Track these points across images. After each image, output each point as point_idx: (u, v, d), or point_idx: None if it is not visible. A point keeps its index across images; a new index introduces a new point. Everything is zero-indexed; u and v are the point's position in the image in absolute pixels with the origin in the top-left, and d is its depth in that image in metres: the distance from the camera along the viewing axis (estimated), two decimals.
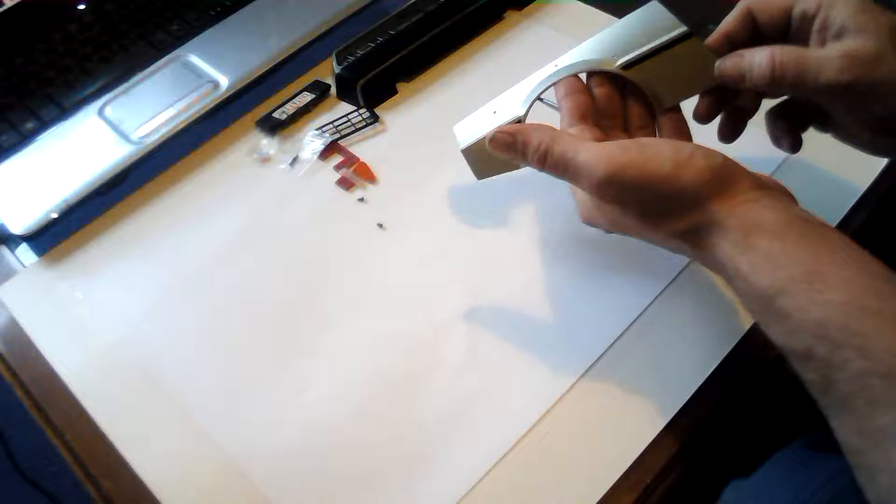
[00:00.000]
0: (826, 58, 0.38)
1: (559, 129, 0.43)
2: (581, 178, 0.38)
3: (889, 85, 0.37)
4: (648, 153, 0.37)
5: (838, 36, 0.38)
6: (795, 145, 0.45)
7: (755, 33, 0.42)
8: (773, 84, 0.40)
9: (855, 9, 0.38)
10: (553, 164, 0.39)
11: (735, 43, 0.42)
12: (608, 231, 0.42)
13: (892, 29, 0.37)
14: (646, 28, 0.44)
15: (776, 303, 0.33)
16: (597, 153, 0.37)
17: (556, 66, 0.46)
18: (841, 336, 0.30)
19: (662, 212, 0.37)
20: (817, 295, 0.32)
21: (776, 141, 0.46)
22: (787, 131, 0.45)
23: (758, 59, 0.40)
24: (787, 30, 0.41)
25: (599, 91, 0.44)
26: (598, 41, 0.45)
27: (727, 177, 0.36)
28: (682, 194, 0.36)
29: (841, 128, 0.43)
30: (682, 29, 0.43)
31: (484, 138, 0.45)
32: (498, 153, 0.42)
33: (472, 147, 0.46)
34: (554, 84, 0.45)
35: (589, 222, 0.42)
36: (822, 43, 0.39)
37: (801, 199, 0.38)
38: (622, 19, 0.46)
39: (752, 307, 0.35)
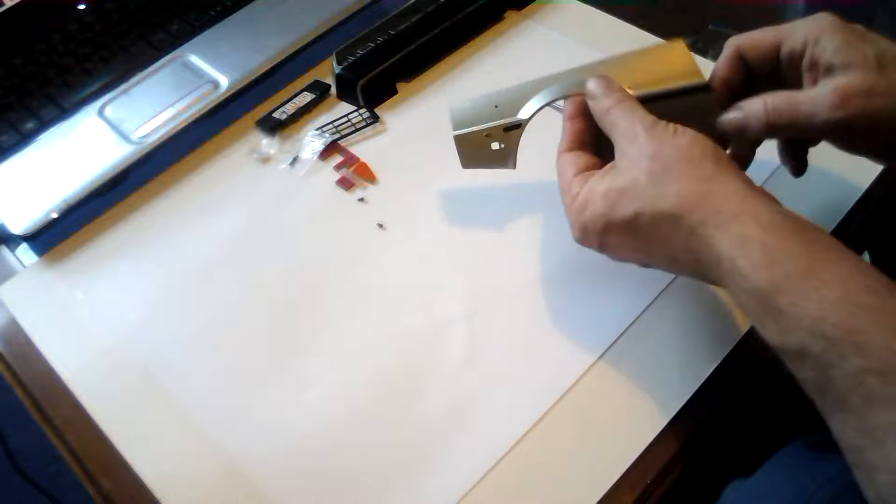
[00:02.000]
0: (817, 97, 0.38)
1: (559, 147, 0.44)
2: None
3: (884, 115, 0.38)
4: (627, 188, 0.38)
5: (828, 72, 0.39)
6: (800, 169, 0.46)
7: (749, 74, 0.43)
8: (771, 130, 0.40)
9: (839, 44, 0.38)
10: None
11: (733, 87, 0.43)
12: (600, 249, 0.41)
13: (878, 58, 0.38)
14: (666, 66, 0.43)
15: (772, 299, 0.33)
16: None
17: (570, 76, 0.45)
18: (837, 333, 0.30)
19: (652, 235, 0.37)
20: (813, 292, 0.32)
21: (782, 161, 0.46)
22: (791, 156, 0.46)
23: (754, 110, 0.40)
24: (777, 68, 0.42)
25: None
26: (618, 63, 0.44)
27: (725, 167, 0.37)
28: (665, 216, 0.37)
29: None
30: (701, 80, 0.43)
31: (480, 131, 0.45)
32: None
33: (466, 136, 0.46)
34: (563, 98, 0.45)
35: (582, 242, 0.42)
36: (814, 81, 0.40)
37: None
38: (646, 47, 0.45)
39: (746, 304, 0.35)
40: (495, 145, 0.46)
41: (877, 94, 0.37)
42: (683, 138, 0.38)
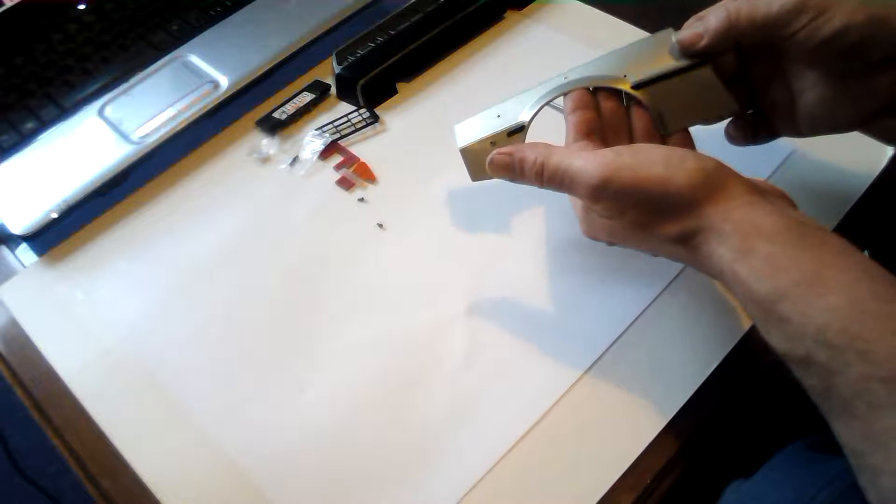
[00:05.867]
0: None
1: (565, 142, 0.44)
2: (577, 185, 0.39)
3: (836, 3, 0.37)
4: (641, 157, 0.37)
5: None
6: (748, 135, 0.46)
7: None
8: (730, 28, 0.40)
9: None
10: (550, 175, 0.40)
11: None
12: (610, 244, 0.42)
13: None
14: (659, 52, 0.43)
15: (777, 308, 0.33)
16: (591, 159, 0.38)
17: (565, 77, 0.45)
18: (841, 340, 0.30)
19: (657, 213, 0.37)
20: (818, 300, 0.32)
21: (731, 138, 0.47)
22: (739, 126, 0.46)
23: (714, 13, 0.41)
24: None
25: (606, 105, 0.44)
26: (610, 58, 0.45)
27: (721, 180, 0.36)
28: (675, 196, 0.36)
29: (806, 104, 0.42)
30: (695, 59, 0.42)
31: (484, 140, 0.45)
32: (498, 174, 0.44)
33: (471, 148, 0.46)
34: (563, 94, 0.45)
35: (591, 236, 0.43)
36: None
37: (802, 198, 0.38)
38: (636, 41, 0.45)
39: (752, 312, 0.35)
40: None
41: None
42: (681, 151, 0.38)
